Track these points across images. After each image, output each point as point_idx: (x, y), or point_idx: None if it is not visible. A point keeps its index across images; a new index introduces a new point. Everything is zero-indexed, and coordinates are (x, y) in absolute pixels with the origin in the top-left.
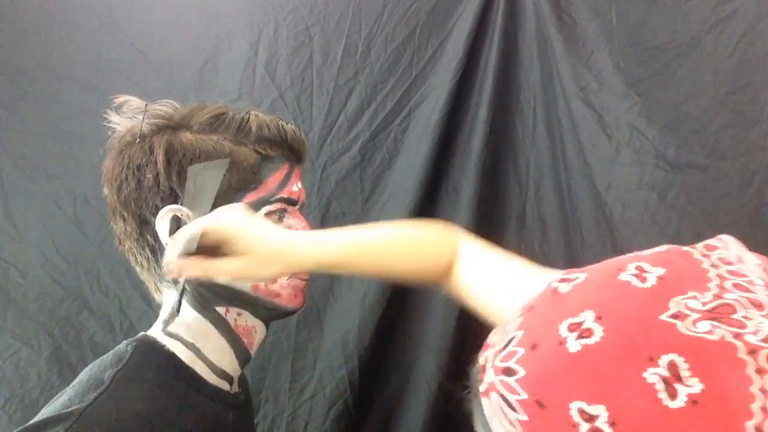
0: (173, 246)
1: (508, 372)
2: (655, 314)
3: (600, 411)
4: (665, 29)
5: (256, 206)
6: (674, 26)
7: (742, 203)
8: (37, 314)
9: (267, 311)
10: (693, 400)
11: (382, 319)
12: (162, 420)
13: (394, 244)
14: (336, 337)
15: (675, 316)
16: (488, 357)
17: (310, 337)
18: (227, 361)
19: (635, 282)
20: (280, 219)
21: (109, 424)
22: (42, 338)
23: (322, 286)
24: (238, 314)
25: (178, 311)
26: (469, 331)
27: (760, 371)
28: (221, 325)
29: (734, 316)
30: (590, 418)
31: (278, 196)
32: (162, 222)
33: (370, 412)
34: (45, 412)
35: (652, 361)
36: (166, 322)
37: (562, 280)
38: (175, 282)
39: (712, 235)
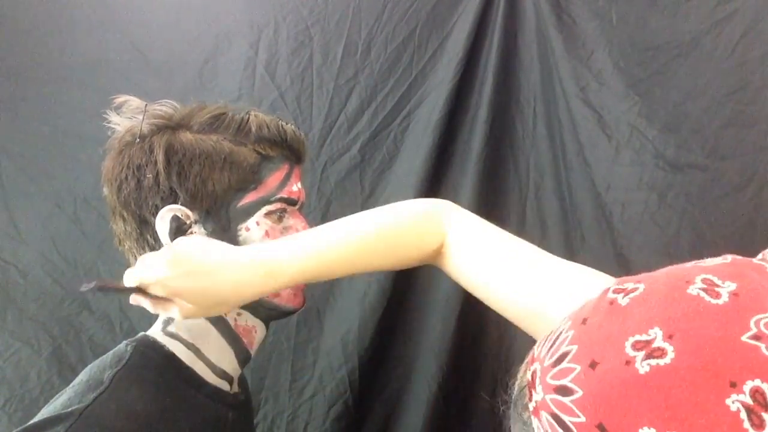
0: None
1: (563, 391)
2: (735, 335)
3: None
4: (665, 29)
5: (256, 206)
6: (674, 26)
7: (742, 203)
8: (37, 314)
9: (267, 311)
10: None
11: (382, 319)
12: (162, 420)
13: (374, 242)
14: (336, 337)
15: (757, 338)
16: (537, 372)
17: (310, 337)
18: (227, 361)
19: (706, 297)
20: (280, 219)
21: (109, 424)
22: (42, 338)
23: (322, 286)
24: (238, 314)
25: None
26: (469, 330)
27: None
28: (221, 325)
29: None
30: None
31: (278, 196)
32: (162, 222)
33: (370, 412)
34: (45, 412)
35: (735, 387)
36: (166, 322)
37: (618, 291)
38: None
39: (712, 235)
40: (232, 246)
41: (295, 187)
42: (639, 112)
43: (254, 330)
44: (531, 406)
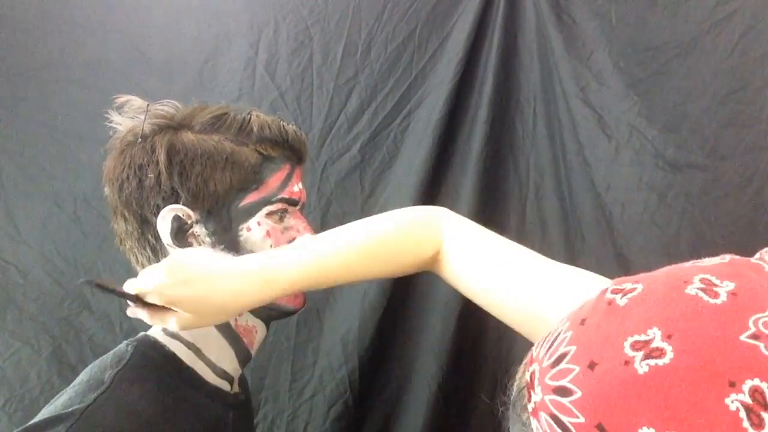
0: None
1: (562, 392)
2: (734, 334)
3: None
4: (665, 29)
5: (257, 206)
6: (674, 26)
7: (742, 203)
8: (37, 314)
9: (267, 311)
10: None
11: (382, 319)
12: (162, 420)
13: (370, 250)
14: (336, 337)
15: (755, 337)
16: (535, 372)
17: (310, 337)
18: (227, 360)
19: (705, 297)
20: (281, 219)
21: (109, 424)
22: (42, 338)
23: None
24: (239, 314)
25: None
26: (469, 331)
27: None
28: (222, 325)
29: None
30: None
31: (279, 197)
32: (163, 222)
33: (370, 412)
34: (45, 412)
35: (734, 386)
36: None
37: (616, 291)
38: None
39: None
40: (228, 255)
41: (296, 188)
42: (639, 112)
43: (255, 330)
44: (530, 407)
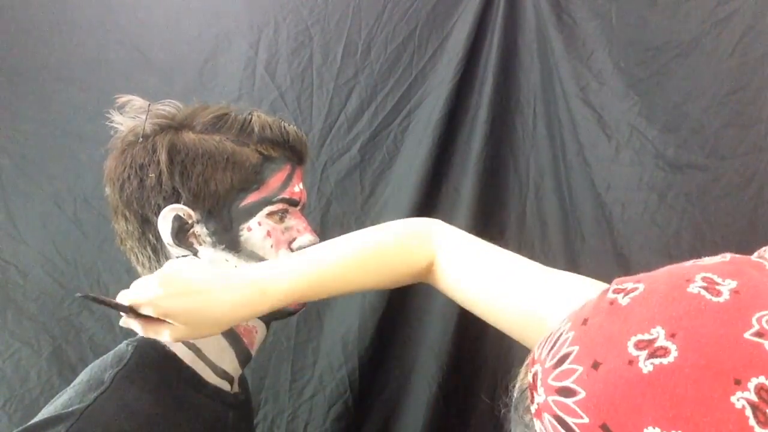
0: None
1: (565, 392)
2: (738, 332)
3: None
4: (665, 29)
5: (258, 206)
6: (674, 26)
7: (742, 203)
8: (37, 314)
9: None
10: None
11: (382, 319)
12: (162, 420)
13: (364, 261)
14: (336, 337)
15: (759, 335)
16: (538, 374)
17: (310, 337)
18: (228, 361)
19: (707, 295)
20: (282, 219)
21: (109, 424)
22: (42, 338)
23: None
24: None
25: None
26: (469, 331)
27: None
28: None
29: None
30: None
31: (280, 197)
32: (164, 221)
33: (370, 412)
34: (45, 412)
35: (739, 384)
36: None
37: (618, 291)
38: None
39: (712, 235)
40: (222, 268)
41: (297, 188)
42: (639, 112)
43: (255, 330)
44: (533, 408)
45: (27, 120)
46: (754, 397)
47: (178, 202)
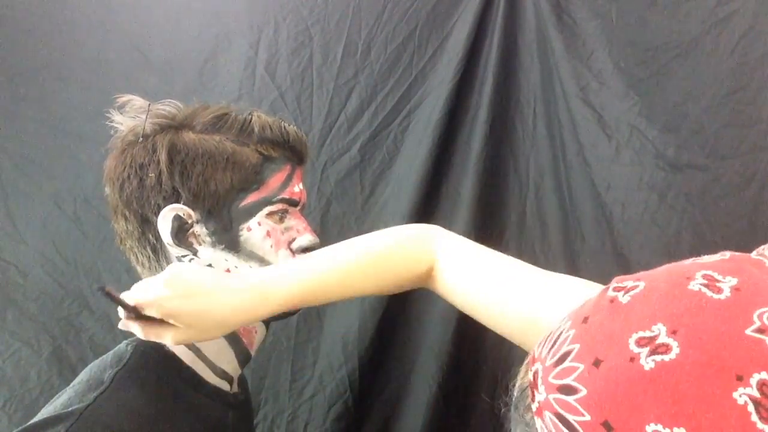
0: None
1: (566, 390)
2: (739, 329)
3: None
4: (665, 29)
5: (258, 206)
6: (674, 26)
7: (742, 203)
8: (37, 314)
9: None
10: None
11: (382, 319)
12: (162, 419)
13: (365, 266)
14: (336, 337)
15: (761, 331)
16: (538, 372)
17: (310, 337)
18: (227, 361)
19: (708, 292)
20: (282, 219)
21: (109, 424)
22: (42, 338)
23: None
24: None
25: None
26: (469, 331)
27: None
28: None
29: None
30: None
31: (280, 197)
32: (164, 221)
33: (370, 412)
34: (45, 412)
35: (741, 380)
36: None
37: (618, 289)
38: None
39: (712, 235)
40: (224, 272)
41: (297, 188)
42: (639, 112)
43: (254, 330)
44: (534, 406)
45: (27, 120)
46: (756, 393)
47: (177, 201)
